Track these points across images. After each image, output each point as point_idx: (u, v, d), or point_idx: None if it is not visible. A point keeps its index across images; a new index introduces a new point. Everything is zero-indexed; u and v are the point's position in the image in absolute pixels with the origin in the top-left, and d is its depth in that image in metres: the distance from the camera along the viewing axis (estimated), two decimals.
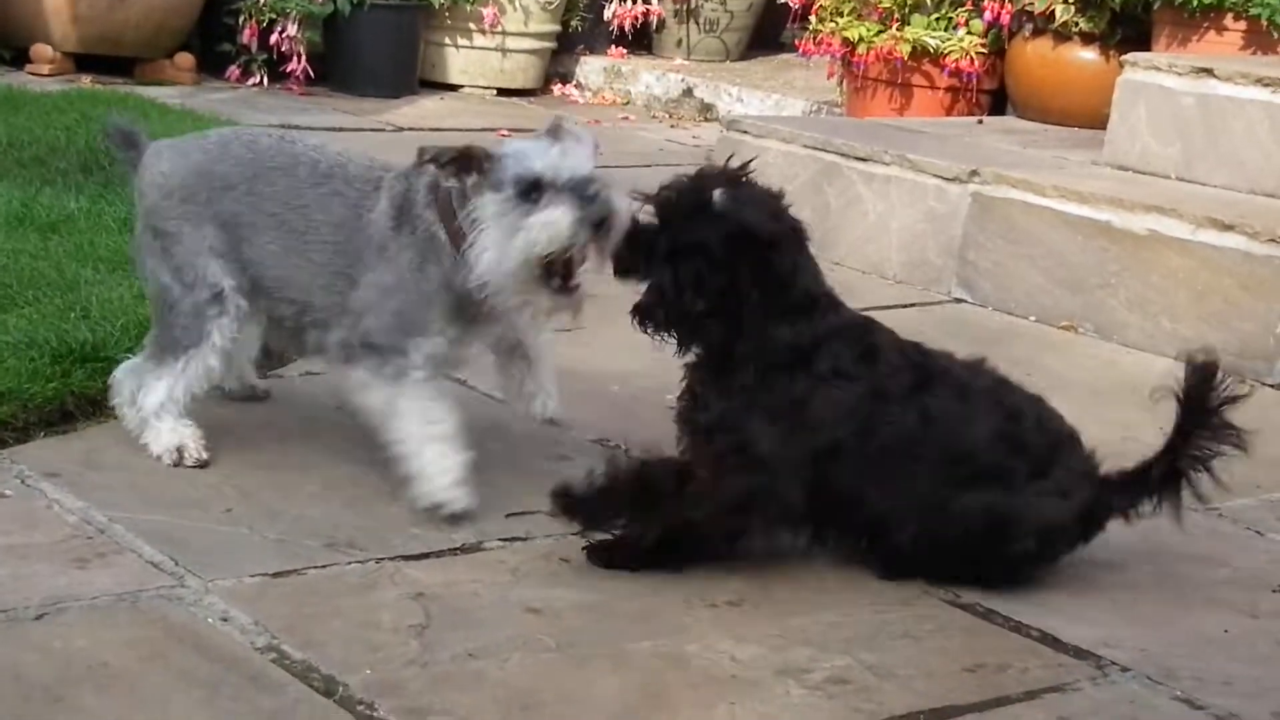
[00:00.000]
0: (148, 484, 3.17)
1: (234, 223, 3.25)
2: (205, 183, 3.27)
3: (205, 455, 3.30)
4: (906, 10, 7.48)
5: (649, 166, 6.49)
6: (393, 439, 3.15)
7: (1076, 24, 6.89)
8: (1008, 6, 7.14)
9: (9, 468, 3.24)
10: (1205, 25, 6.36)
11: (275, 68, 8.24)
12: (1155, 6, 6.49)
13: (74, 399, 3.47)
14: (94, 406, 3.50)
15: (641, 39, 9.77)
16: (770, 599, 2.97)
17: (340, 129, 7.33)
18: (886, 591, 3.04)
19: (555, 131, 3.12)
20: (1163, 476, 3.07)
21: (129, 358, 3.43)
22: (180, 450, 3.28)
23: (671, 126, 8.56)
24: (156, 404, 3.29)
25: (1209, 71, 5.44)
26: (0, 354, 3.55)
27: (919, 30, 7.40)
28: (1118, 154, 5.66)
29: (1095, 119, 6.16)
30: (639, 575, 2.97)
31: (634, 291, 3.01)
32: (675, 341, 3.02)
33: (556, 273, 3.03)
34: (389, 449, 3.16)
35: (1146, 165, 5.56)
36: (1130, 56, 5.78)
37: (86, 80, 7.77)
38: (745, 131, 6.15)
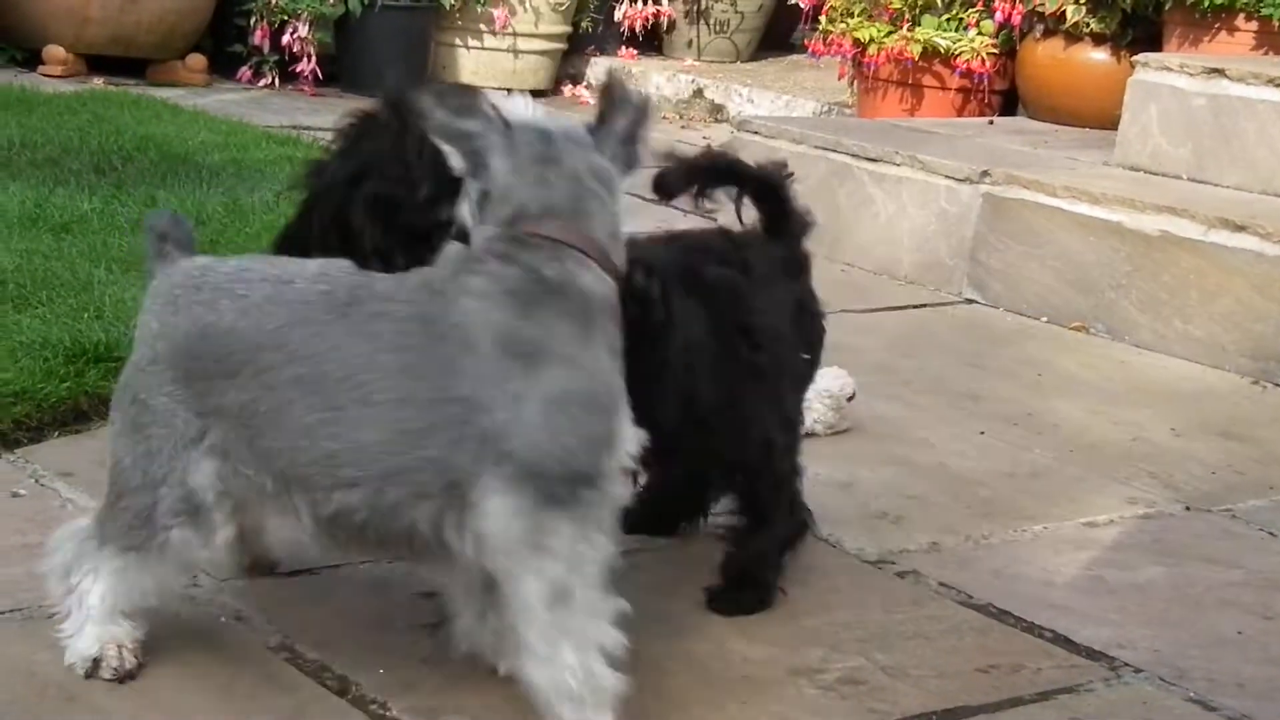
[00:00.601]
0: None
1: (247, 413, 2.33)
2: (202, 361, 2.36)
3: (130, 664, 2.47)
4: (917, 11, 7.48)
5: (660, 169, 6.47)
6: (528, 608, 2.26)
7: (1088, 25, 6.88)
8: (1019, 7, 7.13)
9: (23, 467, 3.25)
10: (1217, 25, 6.35)
11: (286, 69, 8.26)
12: (1166, 7, 6.48)
13: (87, 399, 3.47)
14: (107, 407, 3.46)
15: (652, 40, 9.77)
16: (781, 599, 2.96)
17: None
18: (897, 592, 3.04)
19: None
20: None
21: None
22: (98, 661, 2.46)
23: (682, 128, 8.56)
24: (85, 598, 2.48)
25: (1220, 72, 5.43)
26: (14, 354, 3.56)
27: (930, 31, 7.40)
28: (1129, 154, 5.65)
29: (1106, 120, 6.15)
30: (650, 576, 2.96)
31: None
32: None
33: None
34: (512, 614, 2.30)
35: (1158, 166, 5.56)
36: (1141, 57, 5.77)
37: (98, 81, 7.79)
38: (756, 132, 6.16)
